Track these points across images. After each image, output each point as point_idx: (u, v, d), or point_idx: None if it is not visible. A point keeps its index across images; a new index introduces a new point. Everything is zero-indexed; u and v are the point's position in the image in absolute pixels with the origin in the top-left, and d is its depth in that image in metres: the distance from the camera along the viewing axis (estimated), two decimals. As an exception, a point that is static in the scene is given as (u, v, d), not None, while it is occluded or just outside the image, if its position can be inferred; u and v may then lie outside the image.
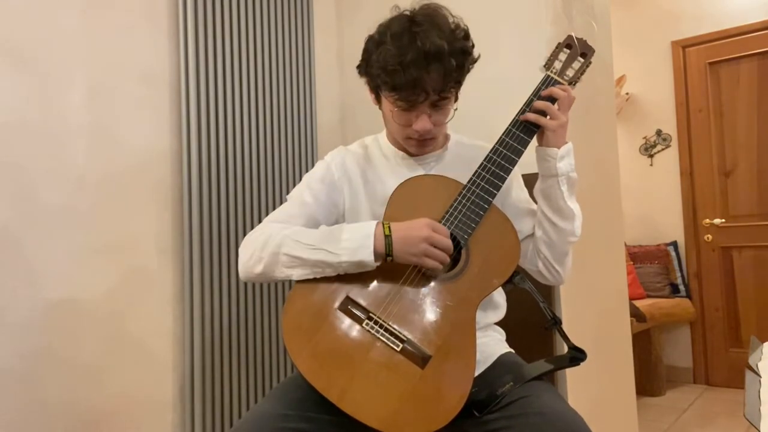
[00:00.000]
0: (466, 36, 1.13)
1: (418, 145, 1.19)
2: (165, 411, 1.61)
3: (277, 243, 1.07)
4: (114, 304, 1.52)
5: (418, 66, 1.05)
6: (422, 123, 1.12)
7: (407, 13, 1.12)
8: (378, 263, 1.03)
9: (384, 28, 1.12)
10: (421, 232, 1.02)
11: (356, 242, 1.02)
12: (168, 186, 1.65)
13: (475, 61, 1.15)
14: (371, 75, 1.15)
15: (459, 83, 1.12)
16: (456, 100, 1.17)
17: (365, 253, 1.01)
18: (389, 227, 1.03)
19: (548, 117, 1.12)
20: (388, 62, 1.06)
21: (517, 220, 1.20)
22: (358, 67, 1.20)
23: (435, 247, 1.02)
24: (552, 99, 1.13)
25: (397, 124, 1.16)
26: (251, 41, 1.84)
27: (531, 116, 1.12)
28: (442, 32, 1.07)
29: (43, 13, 1.41)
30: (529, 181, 1.34)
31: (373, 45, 1.13)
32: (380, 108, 1.25)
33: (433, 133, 1.15)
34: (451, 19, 1.13)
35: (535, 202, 1.22)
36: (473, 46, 1.14)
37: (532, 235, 1.20)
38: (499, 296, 1.26)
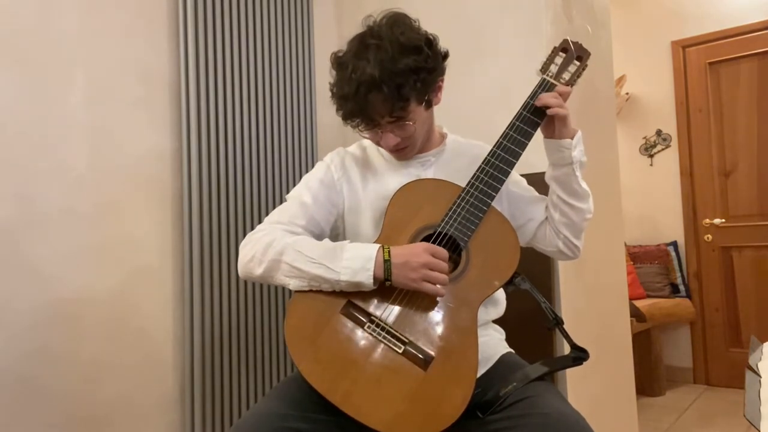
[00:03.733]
0: (418, 50, 1.07)
1: (397, 155, 1.21)
2: (165, 411, 1.61)
3: (279, 250, 1.07)
4: (114, 304, 1.51)
5: (356, 97, 1.07)
6: (386, 140, 1.15)
7: (366, 28, 1.12)
8: (375, 287, 1.03)
9: (341, 51, 1.15)
10: (420, 258, 1.01)
11: (358, 263, 1.02)
12: (168, 186, 1.65)
13: (433, 71, 1.10)
14: None
15: (407, 101, 1.07)
16: (429, 106, 1.16)
17: (365, 276, 1.02)
18: (389, 252, 1.03)
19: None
20: (333, 94, 1.14)
21: (530, 207, 1.25)
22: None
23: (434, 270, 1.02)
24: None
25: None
26: (251, 41, 1.84)
27: (552, 101, 1.10)
28: (385, 54, 1.05)
29: (43, 13, 1.41)
30: (530, 181, 1.33)
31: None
32: None
33: (404, 143, 1.16)
34: (403, 37, 1.07)
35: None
36: (431, 56, 1.09)
37: (545, 219, 1.23)
38: (499, 293, 1.26)
